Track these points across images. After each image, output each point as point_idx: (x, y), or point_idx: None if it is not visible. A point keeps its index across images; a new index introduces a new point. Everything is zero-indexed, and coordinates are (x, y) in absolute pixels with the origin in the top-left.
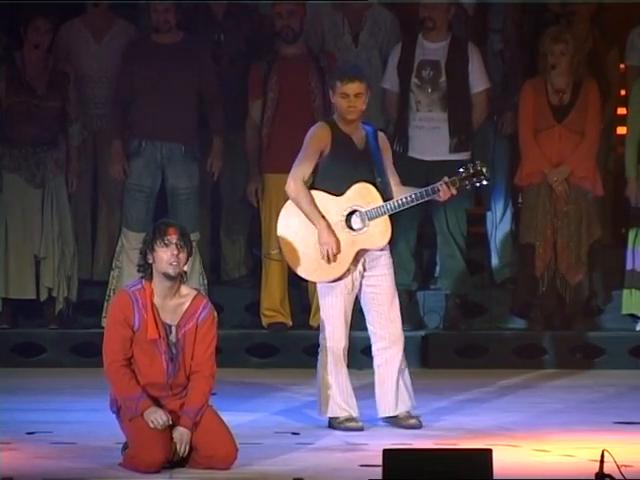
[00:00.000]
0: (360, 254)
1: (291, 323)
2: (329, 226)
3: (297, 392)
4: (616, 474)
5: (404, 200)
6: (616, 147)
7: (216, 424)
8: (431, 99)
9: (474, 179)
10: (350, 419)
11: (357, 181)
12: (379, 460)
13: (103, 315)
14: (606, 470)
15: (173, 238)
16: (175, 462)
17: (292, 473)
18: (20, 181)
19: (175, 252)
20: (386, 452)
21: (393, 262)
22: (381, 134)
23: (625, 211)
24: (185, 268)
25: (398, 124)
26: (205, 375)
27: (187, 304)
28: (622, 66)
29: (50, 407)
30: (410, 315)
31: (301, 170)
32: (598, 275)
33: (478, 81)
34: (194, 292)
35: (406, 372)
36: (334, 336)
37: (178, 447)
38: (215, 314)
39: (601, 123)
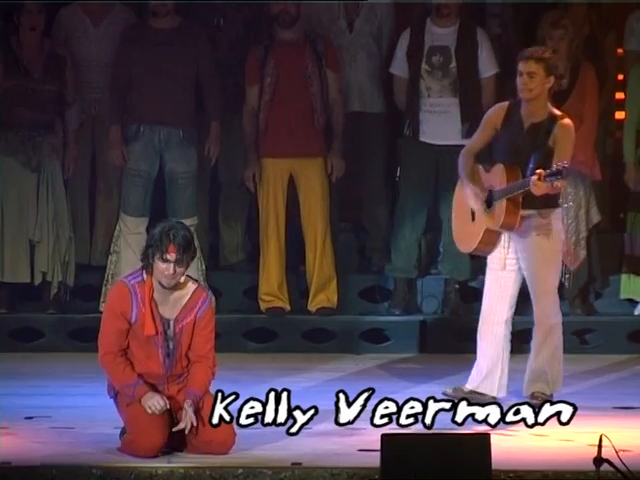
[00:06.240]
0: (500, 234)
1: (289, 308)
2: (473, 190)
3: (295, 377)
4: (614, 459)
5: (507, 187)
6: (614, 132)
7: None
8: (442, 85)
9: (554, 177)
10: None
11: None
12: (377, 445)
13: (101, 300)
14: (604, 455)
15: (172, 257)
16: (173, 446)
17: (290, 458)
18: (16, 165)
19: (171, 271)
20: (384, 437)
21: (399, 247)
22: (562, 123)
23: (623, 196)
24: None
25: (408, 109)
26: (207, 366)
27: (187, 297)
28: (620, 51)
29: (48, 392)
30: (408, 300)
31: (470, 143)
32: (597, 260)
33: (487, 65)
34: (194, 285)
35: (550, 359)
36: (483, 310)
37: (184, 416)
38: (214, 306)
39: (599, 108)
